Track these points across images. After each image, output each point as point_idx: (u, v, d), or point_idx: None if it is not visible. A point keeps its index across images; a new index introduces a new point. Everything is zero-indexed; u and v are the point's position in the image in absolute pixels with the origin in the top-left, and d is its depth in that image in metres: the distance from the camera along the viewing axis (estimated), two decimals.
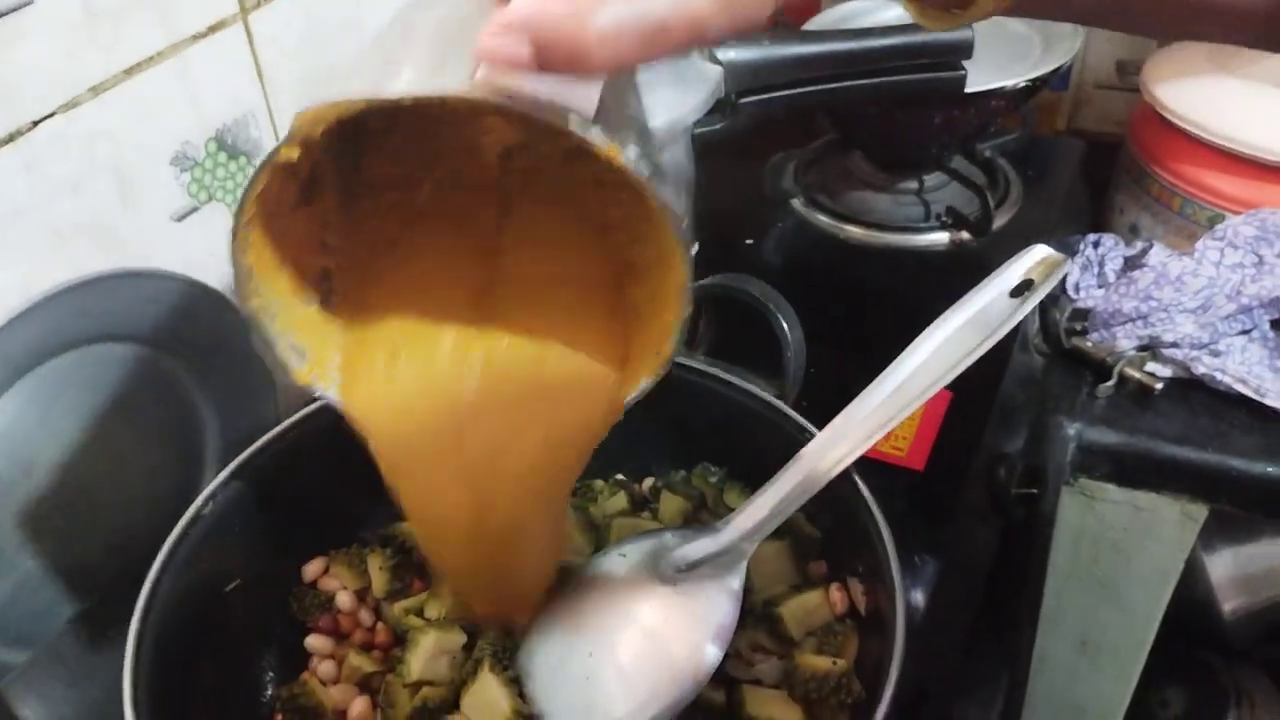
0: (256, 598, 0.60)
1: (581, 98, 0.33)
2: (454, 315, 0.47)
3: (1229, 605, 1.23)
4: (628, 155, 0.35)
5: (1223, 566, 1.22)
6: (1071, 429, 0.93)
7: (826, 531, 0.60)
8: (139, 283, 0.67)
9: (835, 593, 0.57)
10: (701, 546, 0.55)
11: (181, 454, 0.72)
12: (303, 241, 0.44)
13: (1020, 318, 0.50)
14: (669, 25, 0.31)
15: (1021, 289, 0.51)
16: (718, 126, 0.82)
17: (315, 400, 0.59)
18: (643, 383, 0.46)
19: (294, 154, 0.37)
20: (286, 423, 0.59)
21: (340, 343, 0.47)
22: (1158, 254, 0.97)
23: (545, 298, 0.47)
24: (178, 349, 0.71)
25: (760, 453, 0.59)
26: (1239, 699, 1.27)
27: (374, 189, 0.46)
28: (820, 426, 0.55)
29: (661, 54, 0.32)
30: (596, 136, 0.34)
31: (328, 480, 0.62)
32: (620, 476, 0.67)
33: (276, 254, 0.42)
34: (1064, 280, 1.02)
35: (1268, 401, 0.89)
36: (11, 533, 0.64)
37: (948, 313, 0.53)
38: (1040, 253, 0.52)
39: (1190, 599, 1.21)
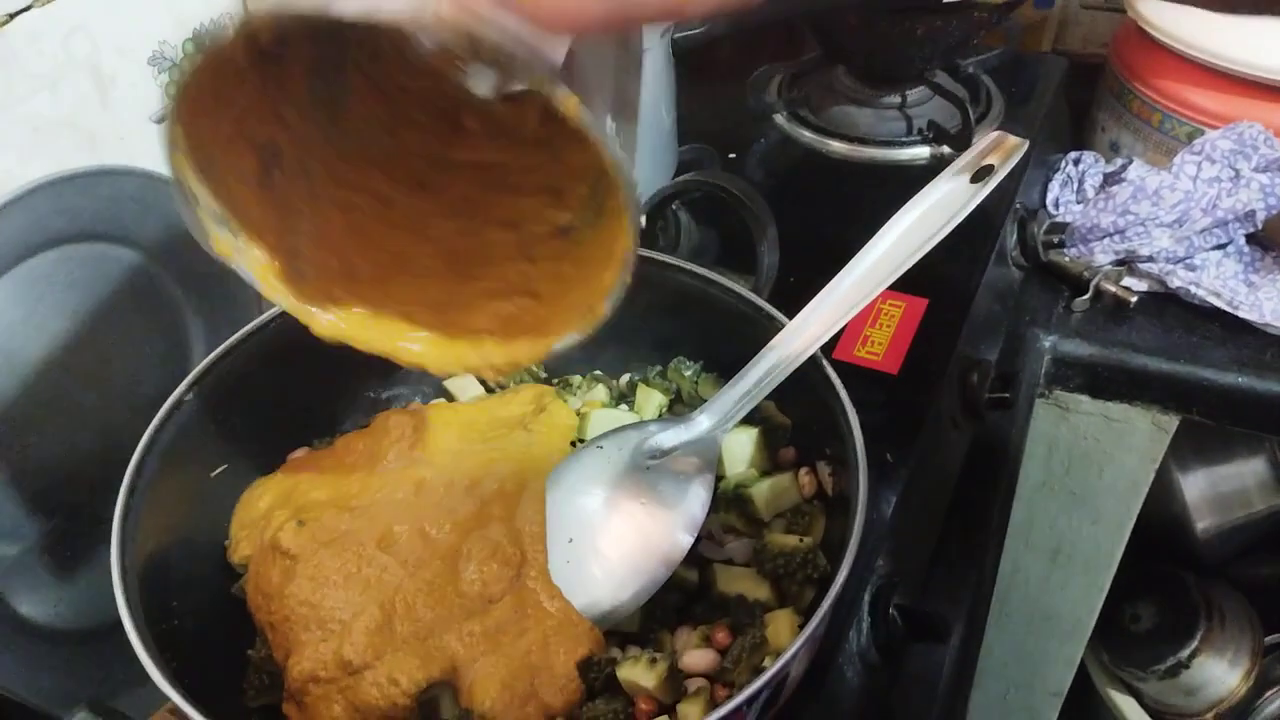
0: (243, 484, 0.61)
1: (549, 48, 0.32)
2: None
3: (1202, 524, 1.26)
4: (591, 113, 0.33)
5: (1197, 486, 1.24)
6: (1047, 341, 0.94)
7: (797, 419, 0.61)
8: (119, 181, 0.67)
9: (804, 476, 0.59)
10: (675, 435, 0.57)
11: (166, 354, 0.73)
12: (252, 107, 0.40)
13: (979, 200, 0.51)
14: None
15: (982, 175, 0.52)
16: (697, 31, 0.83)
17: None
18: (570, 337, 0.45)
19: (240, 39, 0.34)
20: (270, 313, 0.60)
21: (269, 230, 0.44)
22: (1136, 169, 0.98)
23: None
24: (159, 250, 0.72)
25: (735, 345, 0.61)
26: (1209, 613, 1.30)
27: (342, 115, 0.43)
28: None
29: (632, 28, 0.30)
30: (558, 90, 0.32)
31: (312, 372, 0.63)
32: (598, 372, 0.68)
33: (217, 110, 0.39)
34: (1043, 195, 1.03)
35: (1241, 314, 0.90)
36: None
37: (913, 200, 0.54)
38: (999, 138, 0.53)
39: (1165, 517, 1.23)
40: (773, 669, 0.43)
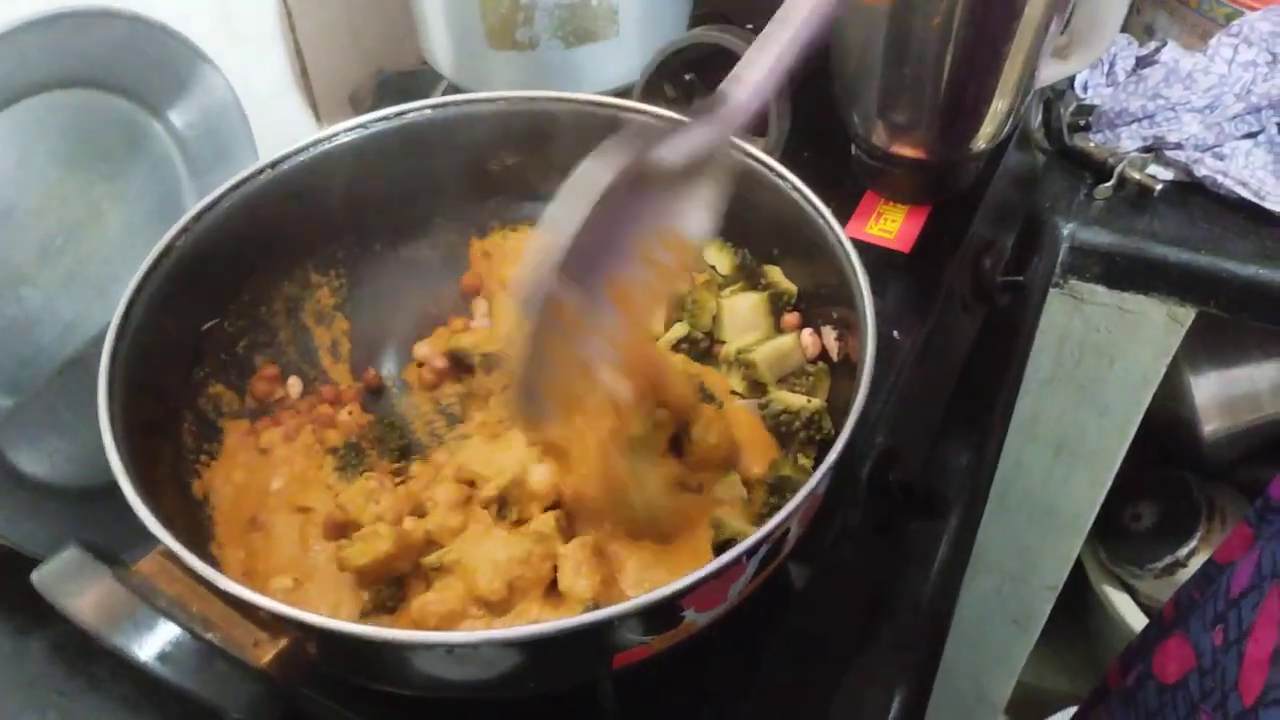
0: (236, 336, 0.60)
1: None
2: None
3: (1210, 427, 1.25)
4: None
5: (1207, 388, 1.23)
6: (1065, 229, 0.92)
7: (803, 286, 0.60)
8: (110, 24, 0.64)
9: (807, 337, 0.57)
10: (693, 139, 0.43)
11: (159, 209, 0.71)
12: None
13: None
14: None
15: None
16: None
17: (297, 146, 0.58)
18: None
19: None
20: (264, 161, 0.59)
21: None
22: (1170, 51, 0.94)
23: None
24: (151, 101, 0.69)
25: (745, 210, 0.59)
26: (1210, 514, 1.30)
27: None
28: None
29: None
30: None
31: (310, 225, 0.61)
32: None
33: None
34: (1072, 78, 0.99)
35: (1267, 205, 0.88)
36: None
37: None
38: None
39: (1173, 419, 1.22)
40: (773, 521, 0.42)
